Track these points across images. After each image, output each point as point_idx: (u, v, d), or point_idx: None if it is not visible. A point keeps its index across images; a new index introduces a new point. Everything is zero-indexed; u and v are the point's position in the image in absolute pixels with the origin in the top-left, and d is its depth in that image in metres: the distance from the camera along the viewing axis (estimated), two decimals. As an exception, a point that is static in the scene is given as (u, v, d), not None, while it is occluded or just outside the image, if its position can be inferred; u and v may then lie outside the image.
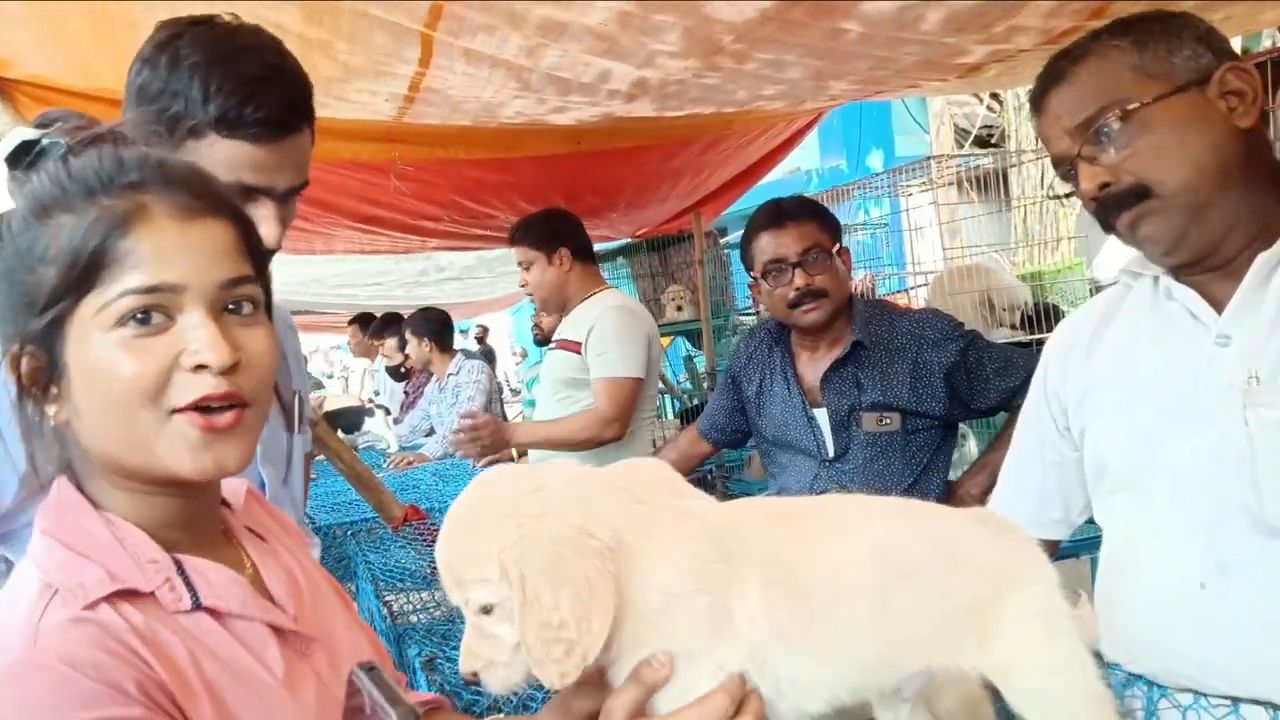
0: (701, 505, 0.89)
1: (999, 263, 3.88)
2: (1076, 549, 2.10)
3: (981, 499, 2.17)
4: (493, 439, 2.84)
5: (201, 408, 0.78)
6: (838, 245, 2.23)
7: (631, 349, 2.94)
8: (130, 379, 0.76)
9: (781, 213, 2.23)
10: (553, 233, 3.09)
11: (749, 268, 2.30)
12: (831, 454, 2.23)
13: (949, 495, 2.23)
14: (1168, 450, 1.19)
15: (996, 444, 2.19)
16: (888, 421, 2.16)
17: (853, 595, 0.84)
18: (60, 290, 0.76)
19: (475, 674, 0.82)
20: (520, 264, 3.11)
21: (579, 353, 3.01)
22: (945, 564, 0.88)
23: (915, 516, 0.94)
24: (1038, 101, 1.25)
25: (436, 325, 5.05)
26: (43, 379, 0.79)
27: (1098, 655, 1.19)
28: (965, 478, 2.24)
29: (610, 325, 2.96)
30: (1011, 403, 2.13)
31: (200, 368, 0.78)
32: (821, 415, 2.26)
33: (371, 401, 5.86)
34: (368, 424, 5.72)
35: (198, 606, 0.79)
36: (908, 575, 0.86)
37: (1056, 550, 1.48)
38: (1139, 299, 1.28)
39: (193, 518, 0.86)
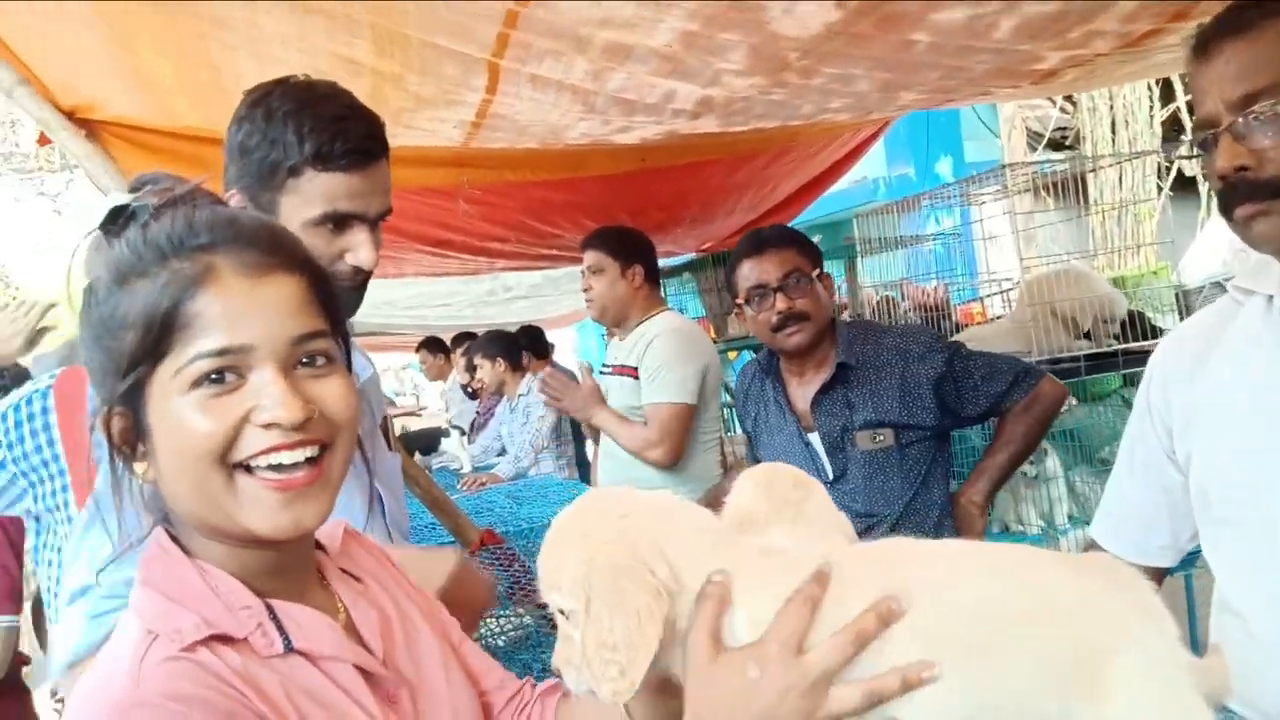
0: (795, 545, 0.87)
1: (1090, 269, 3.75)
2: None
3: (984, 506, 2.16)
4: (581, 401, 2.95)
5: (275, 465, 0.80)
6: (818, 270, 2.30)
7: (684, 374, 2.91)
8: (203, 437, 0.78)
9: (762, 241, 2.33)
10: (632, 247, 3.12)
11: (733, 295, 2.38)
12: (831, 476, 2.26)
13: (952, 505, 2.26)
14: (1276, 484, 1.12)
15: (993, 448, 2.25)
16: (881, 438, 2.19)
17: (942, 649, 0.80)
18: (139, 354, 0.78)
19: (559, 670, 0.87)
20: (589, 268, 3.10)
21: (635, 377, 2.99)
22: (1053, 621, 0.83)
23: (1014, 568, 0.88)
24: (1205, 46, 1.09)
25: (506, 345, 5.09)
26: (131, 438, 0.81)
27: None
28: (966, 486, 2.26)
29: (664, 348, 2.94)
30: (1000, 407, 2.19)
31: (271, 425, 0.79)
32: (816, 439, 2.30)
33: (449, 422, 5.92)
34: (444, 444, 5.78)
35: (290, 650, 0.81)
36: (1004, 631, 0.81)
37: (1163, 578, 1.41)
38: (1250, 318, 1.21)
39: (285, 565, 0.87)
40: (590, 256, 3.13)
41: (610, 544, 0.83)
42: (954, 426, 2.32)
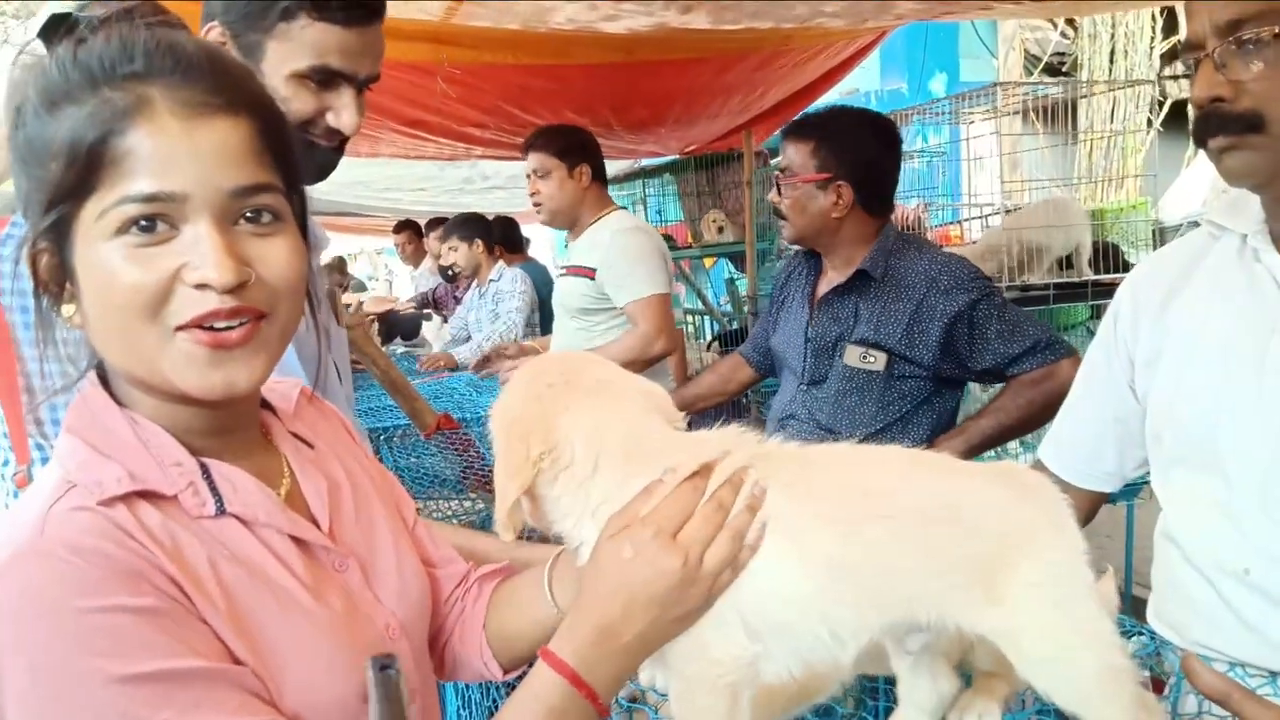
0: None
1: (1073, 199, 3.73)
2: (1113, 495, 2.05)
3: None
4: None
5: (206, 325, 0.74)
6: (829, 176, 2.13)
7: (651, 267, 2.92)
8: (129, 290, 0.72)
9: (793, 127, 2.26)
10: (577, 146, 3.02)
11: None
12: (807, 378, 2.20)
13: None
14: (1233, 427, 1.12)
15: (984, 411, 2.09)
16: (871, 360, 2.08)
17: (837, 525, 0.83)
18: (63, 188, 0.72)
19: None
20: (535, 172, 3.02)
21: (592, 278, 2.97)
22: (952, 520, 0.85)
23: (928, 468, 0.91)
24: None
25: (483, 227, 4.99)
26: (58, 277, 0.76)
27: (1133, 622, 1.16)
28: (942, 438, 2.11)
29: (624, 249, 2.93)
30: (1008, 371, 2.03)
31: (202, 286, 0.73)
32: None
33: (429, 307, 5.79)
34: (424, 329, 5.69)
35: (222, 512, 0.78)
36: (898, 519, 0.84)
37: (1104, 501, 1.43)
38: (1223, 256, 1.19)
39: (224, 424, 0.83)
40: (534, 159, 3.02)
41: (524, 402, 0.88)
42: (959, 376, 2.13)
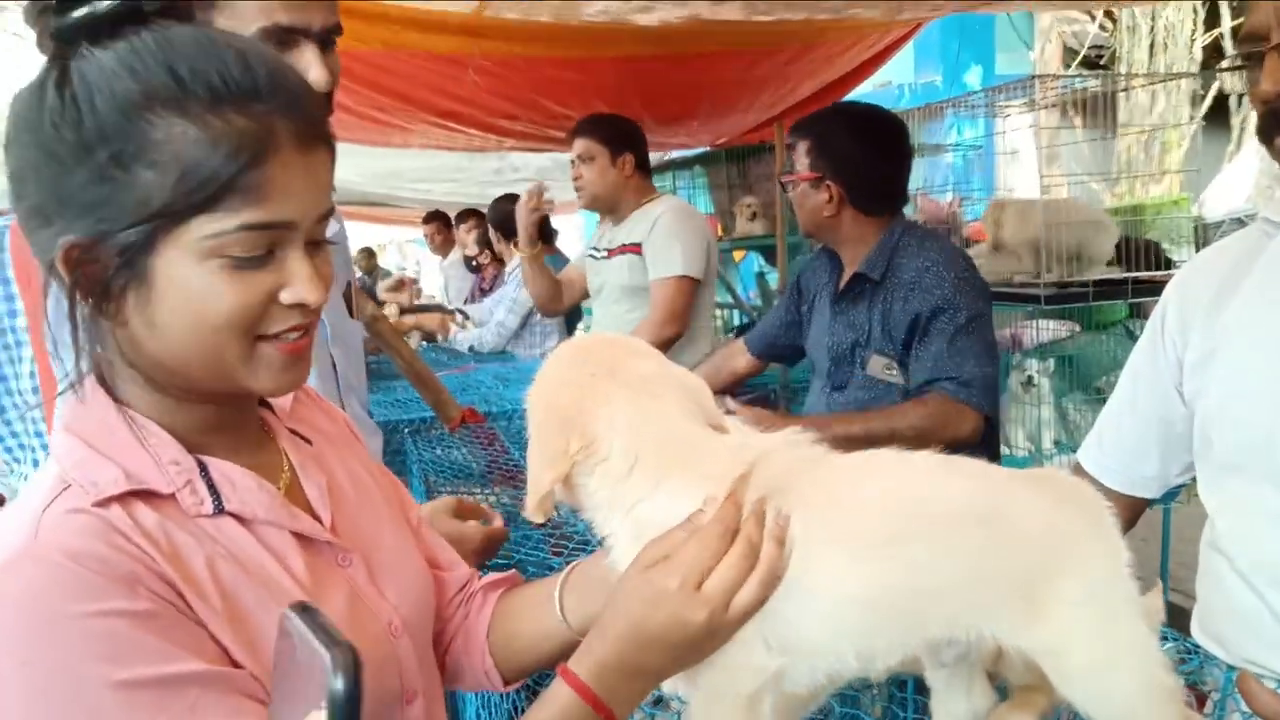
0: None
1: (1074, 199, 3.65)
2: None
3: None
4: None
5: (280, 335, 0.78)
6: (819, 175, 2.11)
7: (691, 249, 2.90)
8: (230, 311, 0.74)
9: (795, 125, 2.24)
10: (623, 135, 3.05)
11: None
12: (830, 383, 2.17)
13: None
14: None
15: (879, 413, 1.97)
16: (893, 373, 2.03)
17: (873, 545, 0.80)
18: (167, 205, 0.70)
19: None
20: (579, 157, 3.04)
21: (640, 254, 2.97)
22: (975, 524, 0.81)
23: (968, 478, 0.86)
24: None
25: (503, 215, 4.98)
26: (105, 283, 0.73)
27: (1175, 634, 1.12)
28: (821, 418, 2.02)
29: (670, 224, 2.93)
30: (930, 386, 1.92)
31: (299, 306, 0.76)
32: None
33: (458, 311, 5.74)
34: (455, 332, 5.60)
35: (220, 511, 0.77)
36: (936, 534, 0.80)
37: (1145, 508, 1.39)
38: (1279, 254, 1.15)
39: (226, 421, 0.83)
40: (580, 144, 3.04)
41: (565, 389, 0.86)
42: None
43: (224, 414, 0.83)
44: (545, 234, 5.55)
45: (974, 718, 0.92)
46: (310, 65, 1.28)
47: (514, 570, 1.13)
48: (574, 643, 0.98)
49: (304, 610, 0.59)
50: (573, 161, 3.08)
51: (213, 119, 0.71)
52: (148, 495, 0.74)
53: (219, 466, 0.80)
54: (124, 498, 0.72)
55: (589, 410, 0.84)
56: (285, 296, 0.76)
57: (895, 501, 0.82)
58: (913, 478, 0.85)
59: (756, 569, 0.80)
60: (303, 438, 0.93)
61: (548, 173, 6.65)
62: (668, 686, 1.02)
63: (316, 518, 0.86)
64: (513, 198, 5.15)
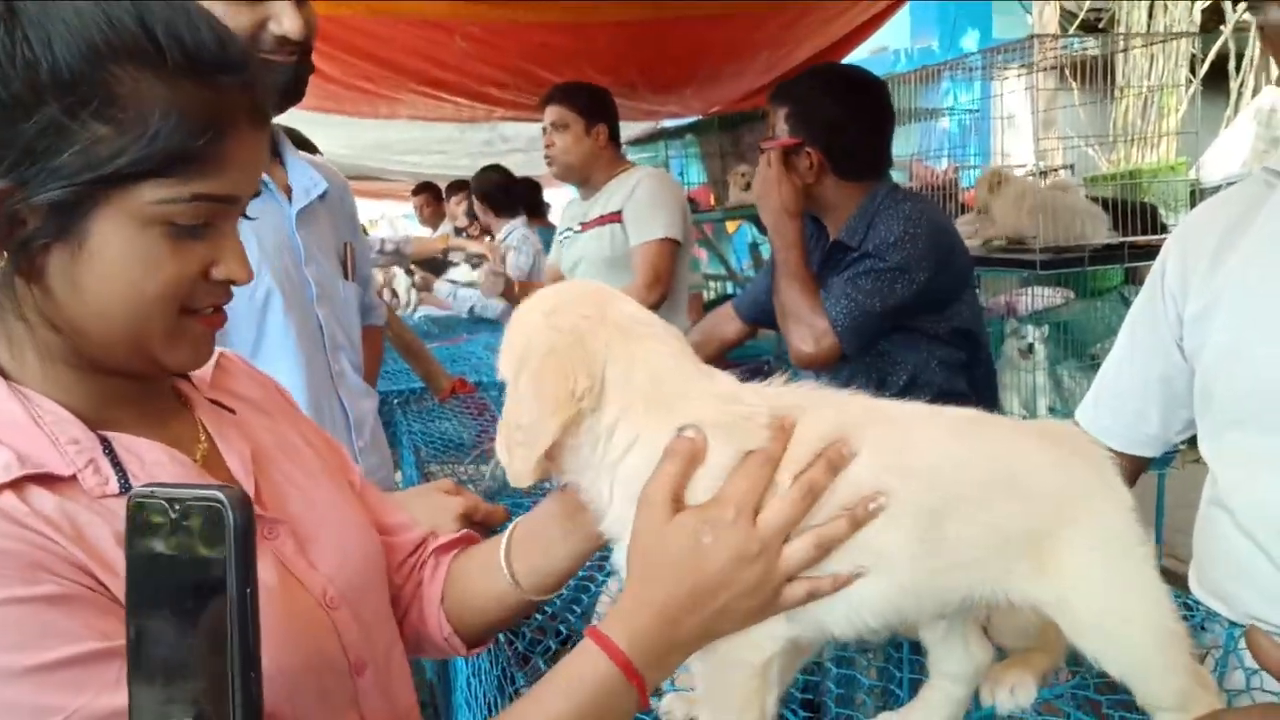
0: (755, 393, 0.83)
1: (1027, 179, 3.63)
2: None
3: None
4: None
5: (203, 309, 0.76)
6: (800, 141, 2.04)
7: (669, 211, 2.89)
8: (170, 281, 0.71)
9: (773, 92, 2.17)
10: (598, 105, 3.01)
11: None
12: None
13: None
14: None
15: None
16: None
17: (892, 515, 0.77)
18: (123, 165, 0.67)
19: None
20: (552, 124, 3.00)
21: (620, 221, 2.94)
22: (1001, 490, 0.80)
23: (973, 435, 0.84)
24: None
25: (494, 186, 4.91)
26: (29, 237, 0.68)
27: (1177, 591, 1.09)
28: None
29: (650, 189, 2.92)
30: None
31: (230, 282, 0.75)
32: None
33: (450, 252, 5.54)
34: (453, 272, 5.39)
35: (127, 489, 0.72)
36: (956, 500, 0.78)
37: (1144, 468, 1.36)
38: None
39: (134, 393, 0.79)
40: (553, 112, 3.00)
41: (558, 332, 0.79)
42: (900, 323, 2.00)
43: (130, 385, 0.78)
44: (535, 206, 5.50)
45: (974, 672, 0.91)
46: (282, 12, 1.25)
47: (468, 531, 1.09)
48: (527, 603, 0.97)
49: (152, 486, 0.55)
50: (545, 129, 3.04)
51: (185, 84, 0.68)
52: (46, 479, 0.69)
53: (124, 442, 0.75)
54: (18, 483, 0.67)
55: (592, 350, 0.79)
56: (217, 272, 0.74)
57: (932, 476, 0.79)
58: (945, 444, 0.82)
59: (816, 531, 0.76)
60: (225, 407, 0.89)
61: (537, 143, 6.55)
62: None
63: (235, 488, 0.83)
64: (498, 169, 5.09)
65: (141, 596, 0.54)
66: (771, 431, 0.77)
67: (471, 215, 5.49)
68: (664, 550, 0.76)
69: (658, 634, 0.76)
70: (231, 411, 0.89)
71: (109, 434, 0.75)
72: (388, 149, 6.54)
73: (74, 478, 0.71)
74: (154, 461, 0.76)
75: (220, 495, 0.52)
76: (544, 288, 0.88)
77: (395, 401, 2.54)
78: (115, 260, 0.69)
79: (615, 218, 2.96)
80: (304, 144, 2.30)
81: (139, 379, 0.78)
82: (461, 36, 3.55)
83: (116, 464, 0.73)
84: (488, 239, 5.26)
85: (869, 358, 2.02)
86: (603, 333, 0.80)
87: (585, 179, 3.07)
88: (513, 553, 0.95)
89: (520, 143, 6.44)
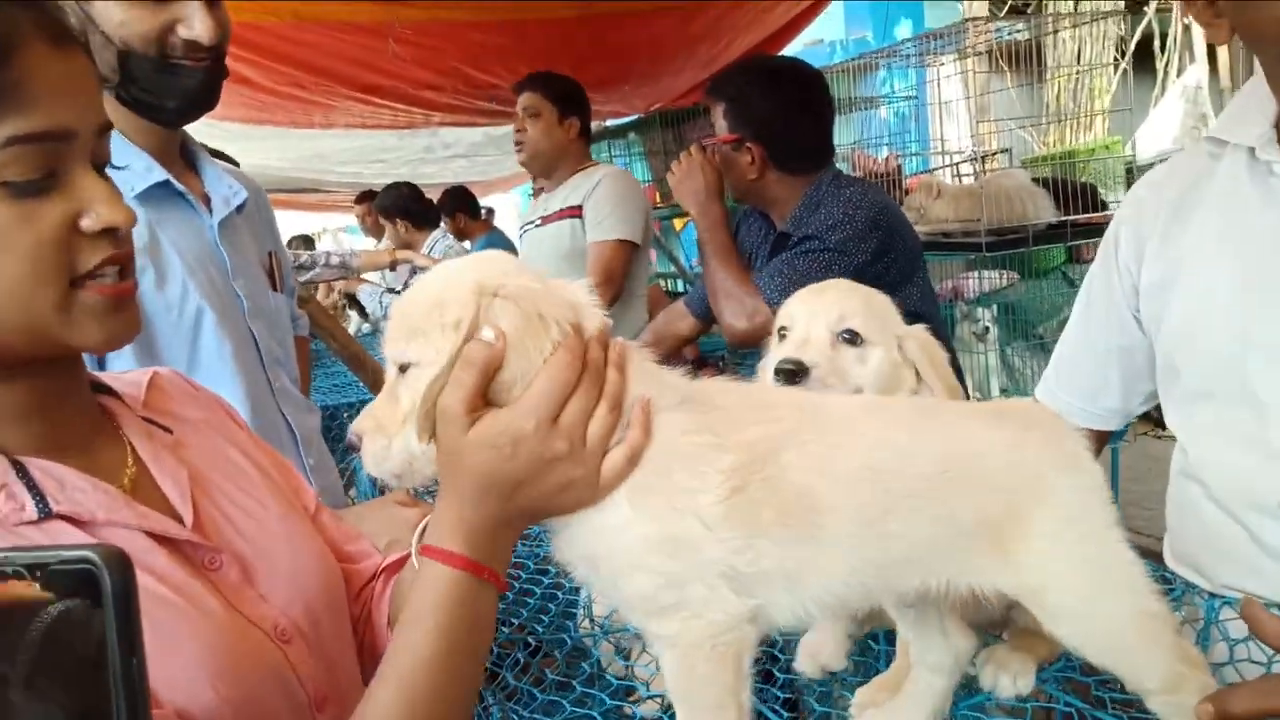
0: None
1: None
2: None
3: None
4: None
5: (100, 275, 0.67)
6: (739, 138, 2.05)
7: (630, 212, 2.87)
8: (29, 252, 0.63)
9: (709, 88, 2.19)
10: (572, 97, 3.00)
11: None
12: None
13: None
14: (1264, 355, 1.04)
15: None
16: None
17: (839, 510, 0.75)
18: None
19: (360, 436, 0.75)
20: (525, 109, 2.97)
21: (579, 216, 2.92)
22: (952, 481, 0.77)
23: (921, 424, 0.81)
24: None
25: (406, 201, 4.82)
26: None
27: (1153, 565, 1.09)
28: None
29: (611, 188, 2.90)
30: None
31: (107, 231, 0.66)
32: None
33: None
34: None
35: (48, 515, 0.67)
36: (905, 495, 0.76)
37: (1106, 442, 1.35)
38: (1231, 174, 1.10)
39: (47, 408, 0.72)
40: (527, 98, 2.98)
41: (526, 286, 0.74)
42: None
43: (41, 397, 0.71)
44: (475, 212, 5.41)
45: (956, 662, 0.89)
46: (192, 14, 1.19)
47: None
48: None
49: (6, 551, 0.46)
50: (518, 113, 3.01)
51: None
52: None
53: (40, 465, 0.69)
54: None
55: (485, 311, 0.72)
56: (86, 223, 0.66)
57: (874, 471, 0.76)
58: (889, 436, 0.79)
59: (605, 395, 0.73)
60: (161, 426, 0.82)
61: (480, 148, 6.48)
62: (602, 609, 0.95)
63: (176, 516, 0.76)
64: (405, 184, 4.99)
65: None
66: (566, 332, 0.73)
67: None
68: (469, 462, 0.71)
69: (483, 525, 0.73)
70: (168, 431, 0.82)
71: (21, 458, 0.68)
72: (325, 159, 6.41)
73: None
74: (74, 486, 0.69)
75: (92, 555, 0.44)
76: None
77: (346, 415, 2.47)
78: None
79: (575, 212, 2.94)
80: (218, 156, 2.22)
81: (50, 379, 0.71)
82: (394, 40, 3.47)
83: (33, 487, 0.67)
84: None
85: None
86: (563, 293, 0.77)
87: (551, 170, 3.05)
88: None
89: (461, 148, 6.35)
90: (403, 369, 0.74)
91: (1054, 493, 0.78)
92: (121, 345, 0.72)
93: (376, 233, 6.76)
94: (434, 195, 5.65)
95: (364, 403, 2.61)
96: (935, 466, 0.77)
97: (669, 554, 0.72)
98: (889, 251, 1.94)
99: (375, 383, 2.42)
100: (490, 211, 6.30)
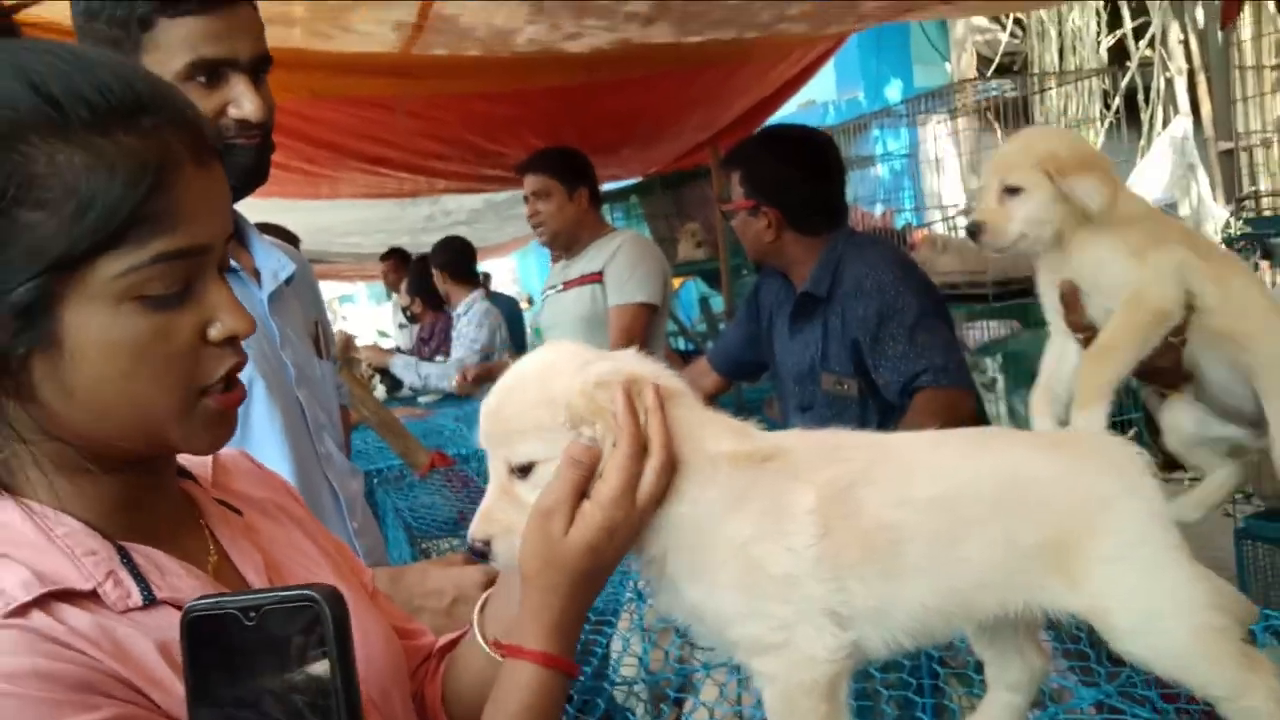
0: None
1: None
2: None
3: None
4: None
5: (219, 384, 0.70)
6: (755, 203, 2.14)
7: (649, 276, 2.93)
8: (162, 363, 0.65)
9: (725, 158, 2.32)
10: (576, 170, 3.04)
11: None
12: (797, 403, 2.19)
13: None
14: None
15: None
16: (843, 386, 2.06)
17: (909, 542, 0.79)
18: (68, 248, 0.61)
19: (488, 541, 0.80)
20: (534, 193, 3.02)
21: (600, 282, 2.97)
22: (1014, 506, 0.82)
23: (980, 455, 0.86)
24: None
25: (449, 254, 4.88)
26: (3, 355, 0.63)
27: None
28: None
29: (631, 253, 2.96)
30: (912, 387, 1.94)
31: (230, 340, 0.68)
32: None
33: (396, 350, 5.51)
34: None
35: (152, 601, 0.67)
36: (968, 522, 0.80)
37: None
38: None
39: (144, 498, 0.73)
40: (533, 181, 3.02)
41: (614, 370, 0.80)
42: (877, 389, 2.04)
43: (139, 489, 0.72)
44: (473, 277, 5.46)
45: (1033, 680, 0.92)
46: (242, 95, 1.24)
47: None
48: None
49: (208, 600, 0.52)
50: (526, 199, 3.06)
51: (101, 141, 0.62)
52: (68, 595, 0.63)
53: (141, 552, 0.69)
54: (42, 601, 0.61)
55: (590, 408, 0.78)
56: (214, 332, 0.67)
57: (944, 499, 0.81)
58: (952, 466, 0.84)
59: (653, 462, 0.77)
60: (231, 508, 0.83)
61: (480, 215, 6.58)
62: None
63: None
64: (458, 239, 5.07)
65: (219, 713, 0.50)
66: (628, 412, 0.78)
67: (415, 291, 5.38)
68: (568, 569, 0.77)
69: (570, 620, 0.78)
70: (238, 513, 0.83)
71: (125, 544, 0.68)
72: (329, 231, 6.49)
73: (94, 592, 0.64)
74: (172, 572, 0.70)
75: (313, 594, 0.49)
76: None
77: (375, 480, 2.48)
78: (98, 354, 0.63)
79: (596, 278, 2.99)
80: (271, 230, 2.27)
81: (147, 474, 0.72)
82: (404, 112, 3.56)
83: (137, 574, 0.67)
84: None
85: (871, 397, 2.04)
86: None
87: (571, 243, 3.09)
88: (486, 623, 0.89)
89: (461, 215, 6.45)
90: (521, 469, 0.79)
91: (1111, 521, 0.81)
92: (220, 448, 0.75)
93: (398, 288, 6.80)
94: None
95: (391, 467, 2.64)
96: (994, 492, 0.81)
97: (782, 599, 0.76)
98: (928, 293, 2.04)
99: (404, 449, 2.43)
100: (487, 276, 6.36)
